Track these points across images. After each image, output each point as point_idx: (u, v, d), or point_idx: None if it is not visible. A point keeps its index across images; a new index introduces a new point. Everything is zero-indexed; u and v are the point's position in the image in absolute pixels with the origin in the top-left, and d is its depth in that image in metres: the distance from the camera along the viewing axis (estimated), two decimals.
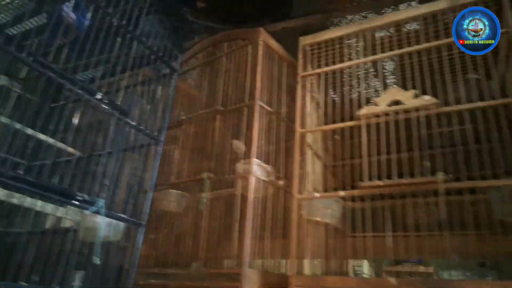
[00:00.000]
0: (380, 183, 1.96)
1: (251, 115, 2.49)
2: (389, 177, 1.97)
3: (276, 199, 2.49)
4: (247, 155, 2.42)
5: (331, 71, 2.46)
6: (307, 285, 1.96)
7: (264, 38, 2.72)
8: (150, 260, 2.53)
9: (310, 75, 2.52)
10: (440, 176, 1.83)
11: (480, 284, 1.63)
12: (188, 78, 3.09)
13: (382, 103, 2.13)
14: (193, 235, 2.42)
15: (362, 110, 2.17)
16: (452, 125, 1.97)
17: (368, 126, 2.14)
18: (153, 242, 2.58)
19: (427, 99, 2.00)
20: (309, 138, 2.46)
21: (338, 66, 2.42)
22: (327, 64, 2.48)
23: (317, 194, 2.17)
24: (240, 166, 2.44)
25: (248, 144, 2.43)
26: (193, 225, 2.46)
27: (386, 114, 2.11)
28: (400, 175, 1.95)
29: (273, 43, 2.80)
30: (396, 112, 2.08)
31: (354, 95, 2.36)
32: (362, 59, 2.36)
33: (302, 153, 2.34)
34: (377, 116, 2.13)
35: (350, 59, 2.41)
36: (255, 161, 2.40)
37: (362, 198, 2.07)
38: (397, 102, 2.10)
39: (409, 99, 2.06)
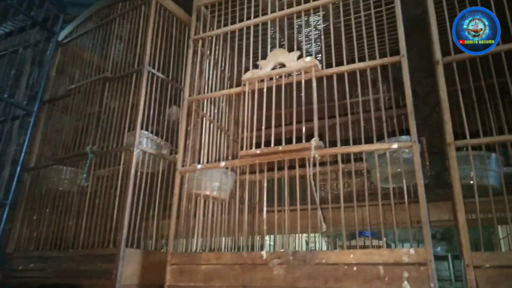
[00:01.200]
0: (257, 151, 1.83)
1: (140, 82, 2.29)
2: (268, 144, 1.84)
3: (169, 174, 2.32)
4: (133, 126, 2.23)
5: (225, 33, 2.28)
6: (183, 262, 1.83)
7: None
8: (31, 243, 2.33)
9: (202, 38, 2.33)
10: (314, 141, 1.71)
11: (348, 254, 1.55)
12: (82, 44, 2.81)
13: (266, 67, 1.98)
14: (75, 215, 2.23)
15: (247, 74, 2.01)
16: (333, 89, 1.85)
17: (252, 91, 1.99)
18: (35, 224, 2.37)
19: (308, 60, 1.86)
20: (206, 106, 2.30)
21: (232, 27, 2.24)
22: (220, 26, 2.30)
23: (199, 166, 2.02)
24: (126, 138, 2.25)
25: (135, 113, 2.23)
26: (76, 205, 2.26)
27: (270, 78, 1.96)
28: (279, 143, 1.82)
29: (170, 4, 2.57)
30: (279, 76, 1.94)
31: (253, 58, 2.16)
32: (261, 18, 2.17)
33: (190, 122, 2.17)
34: (261, 80, 1.98)
35: (248, 19, 2.21)
36: (142, 133, 2.21)
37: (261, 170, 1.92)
38: (281, 65, 1.96)
39: (292, 61, 1.91)
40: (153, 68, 2.35)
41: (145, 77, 2.28)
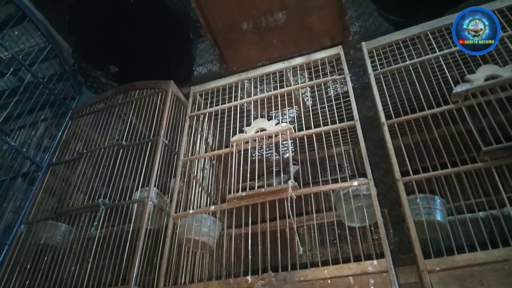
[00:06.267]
0: (243, 194, 2.17)
1: (155, 149, 2.69)
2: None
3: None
4: (146, 184, 2.53)
5: (215, 111, 2.81)
6: None
7: (173, 88, 3.07)
8: None
9: (196, 115, 2.84)
10: (291, 182, 2.09)
11: (322, 270, 1.79)
12: (94, 119, 3.21)
13: (250, 131, 2.46)
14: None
15: (234, 137, 2.47)
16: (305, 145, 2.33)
17: (239, 150, 2.42)
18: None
19: (284, 125, 2.37)
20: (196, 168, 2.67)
21: (219, 107, 2.78)
22: (212, 106, 2.84)
23: (190, 211, 2.30)
24: (139, 193, 2.52)
25: (149, 173, 2.56)
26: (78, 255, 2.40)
27: (254, 139, 2.42)
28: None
29: (180, 94, 3.14)
30: (261, 138, 2.41)
31: (237, 129, 2.63)
32: (238, 102, 2.73)
33: (184, 178, 2.52)
34: (247, 142, 2.44)
35: (230, 102, 2.78)
36: (154, 189, 2.50)
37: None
38: (262, 129, 2.44)
39: (271, 126, 2.41)
40: (166, 139, 2.80)
41: (160, 145, 2.70)
